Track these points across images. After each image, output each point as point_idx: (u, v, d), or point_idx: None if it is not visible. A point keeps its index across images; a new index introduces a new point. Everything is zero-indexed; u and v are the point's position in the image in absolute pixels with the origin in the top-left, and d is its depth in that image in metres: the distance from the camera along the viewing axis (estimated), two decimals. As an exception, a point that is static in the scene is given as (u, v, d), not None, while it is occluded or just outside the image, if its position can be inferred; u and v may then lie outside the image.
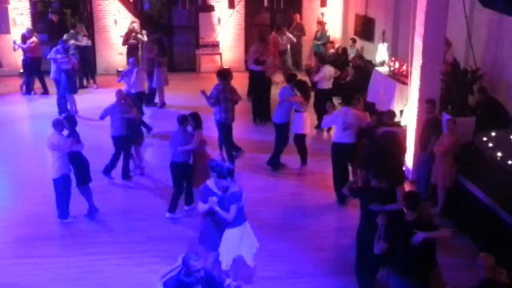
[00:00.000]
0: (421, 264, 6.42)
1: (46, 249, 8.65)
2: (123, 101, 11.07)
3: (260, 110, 14.67)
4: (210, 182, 7.39)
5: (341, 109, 10.49)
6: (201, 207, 7.39)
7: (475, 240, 8.79)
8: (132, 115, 10.88)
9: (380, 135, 9.51)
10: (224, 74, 11.76)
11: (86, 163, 9.55)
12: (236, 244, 7.39)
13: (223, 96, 11.38)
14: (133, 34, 17.42)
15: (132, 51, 17.09)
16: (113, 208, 9.98)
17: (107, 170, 11.06)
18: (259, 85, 14.78)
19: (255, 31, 19.15)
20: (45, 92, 16.62)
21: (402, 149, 10.14)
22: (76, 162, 9.37)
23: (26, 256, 8.45)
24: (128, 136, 11.01)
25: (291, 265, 8.29)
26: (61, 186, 9.25)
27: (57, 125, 9.21)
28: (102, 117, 11.15)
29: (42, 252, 8.54)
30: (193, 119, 9.61)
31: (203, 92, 11.44)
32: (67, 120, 9.45)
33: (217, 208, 7.14)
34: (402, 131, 10.54)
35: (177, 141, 9.51)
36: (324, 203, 10.23)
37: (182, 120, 9.56)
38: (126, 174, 11.18)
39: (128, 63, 14.69)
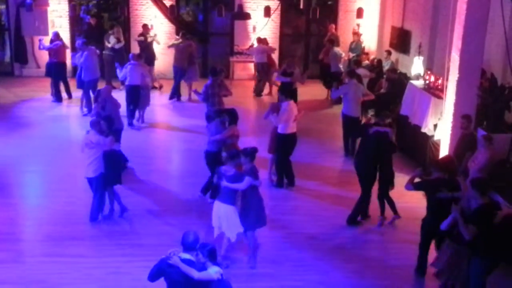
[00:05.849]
0: None
1: (75, 248, 8.72)
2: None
3: None
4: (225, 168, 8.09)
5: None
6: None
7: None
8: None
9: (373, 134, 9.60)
10: (214, 71, 12.90)
11: (120, 163, 9.87)
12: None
13: (212, 92, 12.34)
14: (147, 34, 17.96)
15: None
16: (142, 211, 10.02)
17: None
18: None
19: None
20: (57, 99, 16.62)
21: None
22: (111, 162, 9.44)
23: (56, 254, 8.53)
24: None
25: (319, 275, 8.22)
26: (100, 185, 9.38)
27: (95, 124, 9.37)
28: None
29: (71, 252, 8.61)
30: (228, 115, 10.15)
31: (195, 91, 13.07)
32: (105, 120, 9.62)
33: (225, 183, 7.88)
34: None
35: (211, 131, 10.06)
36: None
37: (220, 113, 10.26)
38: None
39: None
